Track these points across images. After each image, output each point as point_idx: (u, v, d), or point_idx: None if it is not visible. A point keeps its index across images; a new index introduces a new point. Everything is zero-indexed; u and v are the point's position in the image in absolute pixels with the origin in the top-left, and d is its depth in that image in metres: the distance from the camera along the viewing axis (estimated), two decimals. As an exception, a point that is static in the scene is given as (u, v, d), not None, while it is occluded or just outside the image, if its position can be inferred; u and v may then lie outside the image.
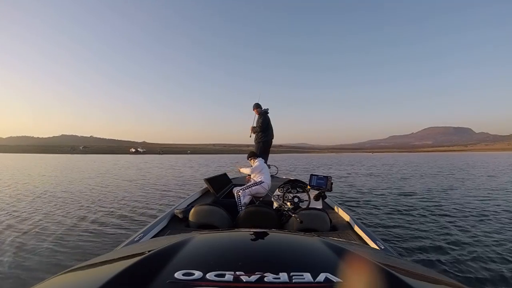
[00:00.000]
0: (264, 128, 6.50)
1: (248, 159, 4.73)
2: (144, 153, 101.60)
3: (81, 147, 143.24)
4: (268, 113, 6.61)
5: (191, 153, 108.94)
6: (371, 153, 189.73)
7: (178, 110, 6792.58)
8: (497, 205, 7.21)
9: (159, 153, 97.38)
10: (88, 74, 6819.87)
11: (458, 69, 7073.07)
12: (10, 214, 5.97)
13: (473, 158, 51.06)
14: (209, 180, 4.37)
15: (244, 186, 3.92)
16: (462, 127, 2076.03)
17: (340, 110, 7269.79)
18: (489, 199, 8.07)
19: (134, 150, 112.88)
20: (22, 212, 6.18)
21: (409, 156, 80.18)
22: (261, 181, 3.94)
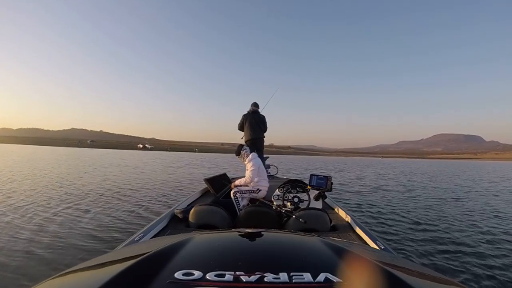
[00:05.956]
0: (240, 128, 6.54)
1: (237, 155, 4.18)
2: (151, 149, 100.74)
3: (88, 141, 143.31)
4: (250, 112, 6.45)
5: (199, 151, 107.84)
6: (381, 158, 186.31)
7: (189, 109, 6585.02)
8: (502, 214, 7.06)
9: (167, 150, 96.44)
10: (99, 70, 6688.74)
11: (471, 79, 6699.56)
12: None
13: (489, 167, 48.54)
14: (209, 180, 4.28)
15: (242, 190, 3.77)
16: (472, 135, 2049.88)
17: (349, 114, 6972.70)
18: (495, 208, 7.89)
19: (141, 146, 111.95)
20: (19, 212, 5.61)
21: (420, 162, 77.88)
22: (258, 189, 3.79)
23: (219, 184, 4.57)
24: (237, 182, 3.98)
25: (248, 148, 4.17)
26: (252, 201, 3.85)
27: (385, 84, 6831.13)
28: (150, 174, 14.61)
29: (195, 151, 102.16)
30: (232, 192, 3.70)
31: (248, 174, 3.91)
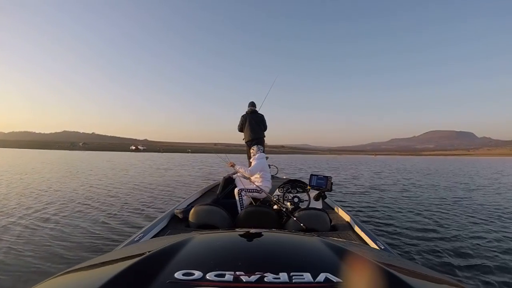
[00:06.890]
0: (240, 130, 6.43)
1: (249, 147, 4.24)
2: (144, 151, 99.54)
3: (80, 144, 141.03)
4: (248, 112, 6.32)
5: (192, 152, 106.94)
6: (373, 156, 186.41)
7: (182, 110, 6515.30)
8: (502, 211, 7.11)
9: (160, 151, 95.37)
10: (90, 73, 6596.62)
11: (463, 76, 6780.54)
12: None
13: (482, 163, 48.87)
14: (226, 180, 4.31)
15: (246, 188, 3.76)
16: (465, 131, 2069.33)
17: (342, 113, 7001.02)
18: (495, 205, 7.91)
19: (134, 147, 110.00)
20: (15, 213, 5.74)
21: (413, 159, 78.25)
22: (261, 189, 3.76)
23: (227, 184, 4.64)
24: (238, 168, 4.02)
25: (262, 148, 4.28)
26: (252, 202, 3.84)
27: (380, 82, 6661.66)
28: (139, 176, 14.38)
29: (188, 152, 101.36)
30: (236, 190, 3.68)
31: (253, 163, 3.98)
